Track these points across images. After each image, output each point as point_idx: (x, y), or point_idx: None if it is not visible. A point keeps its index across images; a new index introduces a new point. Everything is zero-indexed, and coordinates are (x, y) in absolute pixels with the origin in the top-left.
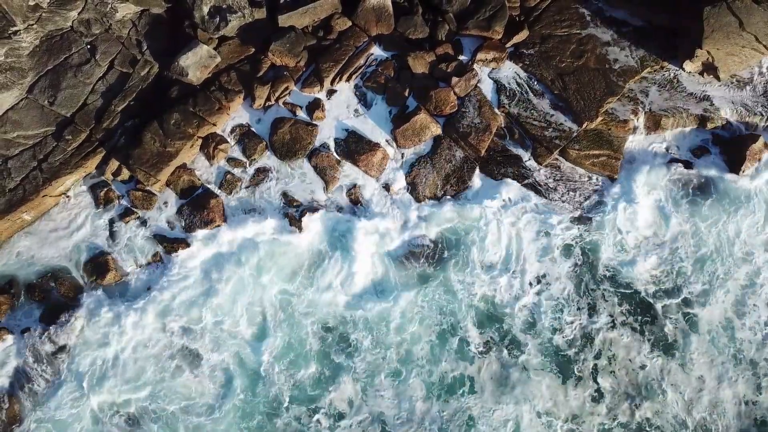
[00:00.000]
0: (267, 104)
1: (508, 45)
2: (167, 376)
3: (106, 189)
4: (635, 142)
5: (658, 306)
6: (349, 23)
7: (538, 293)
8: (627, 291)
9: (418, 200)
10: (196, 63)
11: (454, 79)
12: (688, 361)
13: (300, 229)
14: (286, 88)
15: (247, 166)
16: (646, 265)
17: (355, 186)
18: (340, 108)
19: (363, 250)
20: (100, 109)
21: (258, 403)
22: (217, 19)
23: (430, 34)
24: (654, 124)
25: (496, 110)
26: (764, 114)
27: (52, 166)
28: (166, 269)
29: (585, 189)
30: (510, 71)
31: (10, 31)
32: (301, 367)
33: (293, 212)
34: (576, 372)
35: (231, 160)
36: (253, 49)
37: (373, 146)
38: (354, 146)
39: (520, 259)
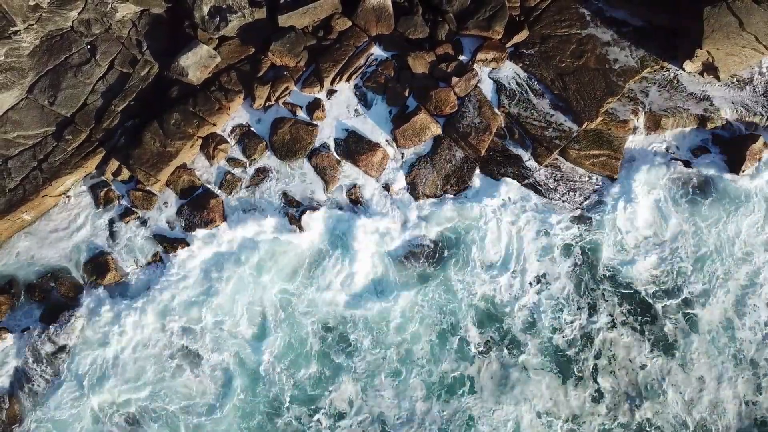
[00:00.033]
0: (267, 104)
1: (508, 45)
2: (167, 375)
3: (106, 189)
4: (635, 142)
5: (658, 306)
6: (349, 23)
7: (538, 293)
8: (627, 291)
9: (417, 199)
10: (196, 63)
11: (454, 79)
12: (688, 361)
13: (300, 228)
14: (286, 88)
15: (247, 166)
16: (646, 264)
17: (355, 186)
18: (340, 108)
19: (363, 249)
20: (100, 109)
21: (258, 402)
22: (217, 19)
23: (430, 34)
24: (654, 124)
25: (496, 110)
26: (764, 114)
27: (52, 166)
28: (166, 269)
29: (585, 189)
30: (510, 71)
31: (10, 31)
32: (302, 367)
33: (293, 212)
34: (576, 372)
35: (231, 160)
36: (253, 49)
37: (373, 146)
38: (354, 146)
39: (520, 259)
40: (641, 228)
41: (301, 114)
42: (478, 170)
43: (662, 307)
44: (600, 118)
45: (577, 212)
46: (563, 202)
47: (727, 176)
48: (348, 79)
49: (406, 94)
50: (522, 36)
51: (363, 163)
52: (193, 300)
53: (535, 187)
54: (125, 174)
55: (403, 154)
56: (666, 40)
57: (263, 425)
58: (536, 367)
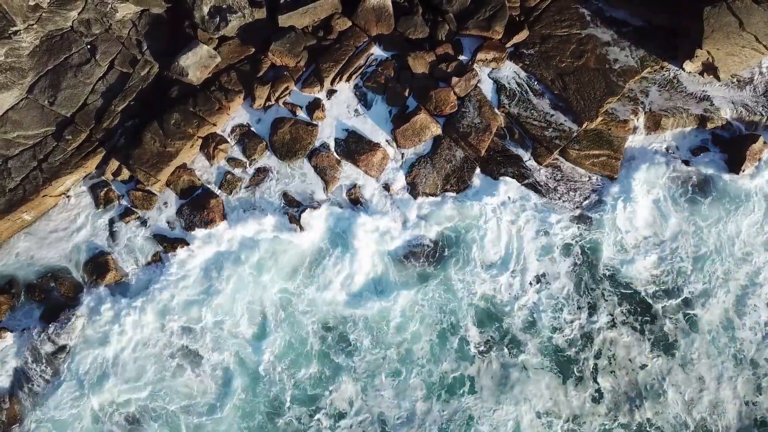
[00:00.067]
0: (267, 104)
1: (508, 45)
2: (167, 375)
3: (106, 189)
4: (635, 142)
5: (658, 306)
6: (349, 23)
7: (538, 292)
8: (627, 291)
9: (416, 198)
10: (196, 63)
11: (454, 79)
12: (688, 361)
13: (300, 227)
14: (286, 88)
15: (247, 166)
16: (646, 264)
17: (355, 186)
18: (340, 108)
19: (363, 248)
20: (100, 109)
21: (259, 402)
22: (217, 19)
23: (430, 34)
24: (654, 124)
25: (496, 110)
26: (764, 114)
27: (52, 166)
28: (166, 269)
29: (585, 188)
30: (510, 71)
31: (10, 31)
32: (302, 367)
33: (293, 212)
34: (576, 372)
35: (231, 160)
36: (253, 49)
37: (373, 146)
38: (354, 146)
39: (520, 258)
40: (641, 227)
41: (301, 114)
42: (478, 170)
43: (662, 306)
44: (600, 118)
45: (577, 212)
46: (563, 201)
47: (727, 176)
48: (348, 79)
49: (406, 94)
50: (522, 36)
51: (363, 163)
52: (193, 299)
53: (535, 187)
54: (125, 174)
55: (403, 154)
56: (666, 40)
57: (263, 425)
58: (536, 366)
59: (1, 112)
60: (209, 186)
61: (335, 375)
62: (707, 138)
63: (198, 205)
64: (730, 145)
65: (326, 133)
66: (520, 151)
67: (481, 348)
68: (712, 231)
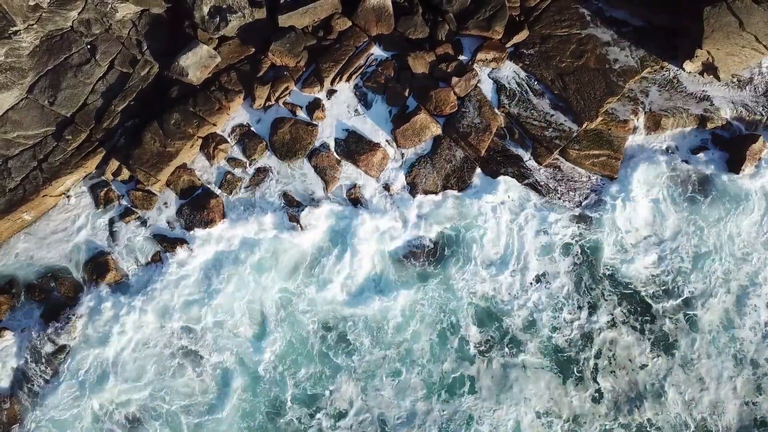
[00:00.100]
0: (267, 104)
1: (508, 45)
2: (168, 375)
3: (106, 189)
4: (635, 142)
5: (658, 306)
6: (349, 23)
7: (538, 292)
8: (627, 290)
9: (415, 196)
10: (196, 63)
11: (454, 79)
12: (688, 361)
13: (301, 227)
14: (286, 88)
15: (247, 166)
16: (646, 263)
17: (355, 186)
18: (340, 108)
19: (363, 248)
20: (100, 109)
21: (259, 402)
22: (217, 19)
23: (430, 34)
24: (654, 124)
25: (496, 110)
26: (764, 114)
27: (52, 166)
28: (166, 269)
29: (584, 188)
30: (510, 71)
31: (10, 31)
32: (302, 367)
33: (293, 211)
34: (576, 372)
35: (231, 160)
36: (253, 49)
37: (373, 146)
38: (354, 146)
39: (520, 258)
40: (641, 227)
41: (301, 114)
42: (478, 170)
43: (662, 306)
44: (600, 118)
45: (577, 211)
46: (563, 201)
47: (727, 176)
48: (348, 79)
49: (406, 94)
50: (522, 36)
51: (363, 163)
52: (193, 299)
53: (535, 187)
54: (125, 174)
55: (403, 154)
56: (666, 40)
57: (264, 425)
58: (536, 366)
59: (1, 112)
60: (209, 186)
61: (335, 375)
62: (707, 138)
63: (198, 205)
64: (730, 145)
65: (326, 133)
66: (520, 151)
67: (481, 348)
68: (712, 231)
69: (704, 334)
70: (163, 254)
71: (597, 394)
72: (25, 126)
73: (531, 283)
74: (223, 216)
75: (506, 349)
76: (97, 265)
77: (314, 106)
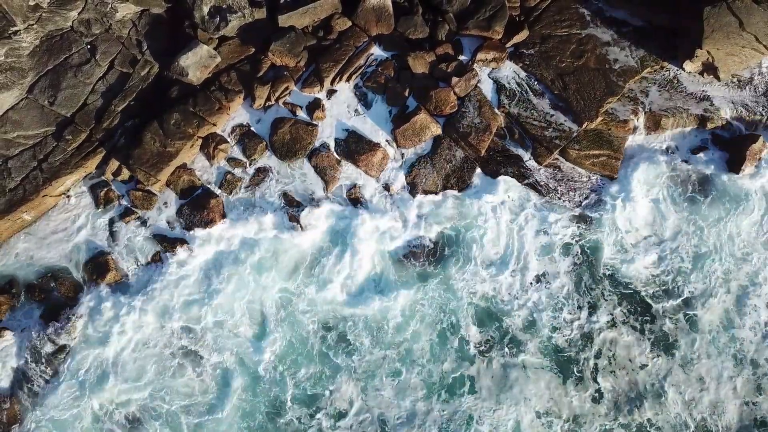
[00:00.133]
0: (267, 104)
1: (508, 45)
2: (168, 375)
3: (106, 189)
4: (635, 142)
5: (658, 306)
6: (349, 23)
7: (538, 292)
8: (627, 290)
9: (415, 196)
10: (196, 63)
11: (454, 79)
12: (688, 361)
13: (301, 227)
14: (286, 88)
15: (247, 166)
16: (646, 263)
17: (355, 186)
18: (340, 108)
19: (363, 248)
20: (100, 109)
21: (259, 402)
22: (217, 19)
23: (430, 34)
24: (654, 124)
25: (496, 110)
26: (764, 114)
27: (52, 166)
28: (166, 269)
29: (584, 188)
30: (510, 71)
31: (10, 31)
32: (302, 367)
33: (293, 211)
34: (576, 372)
35: (231, 160)
36: (253, 49)
37: (373, 146)
38: (354, 146)
39: (520, 258)
40: (641, 227)
41: (301, 114)
42: (478, 170)
43: (662, 306)
44: (600, 118)
45: (577, 211)
46: (563, 201)
47: (727, 176)
48: (348, 79)
49: (406, 94)
50: (522, 36)
51: (363, 163)
52: (193, 299)
53: (535, 187)
54: (125, 174)
55: (403, 154)
56: (666, 40)
57: (264, 425)
58: (536, 366)
59: (1, 112)
60: (209, 186)
61: (335, 375)
62: (707, 138)
63: (198, 205)
64: (730, 145)
65: (326, 133)
66: (520, 151)
67: (481, 348)
68: (712, 231)
69: (704, 334)
70: (163, 254)
71: (597, 394)
72: (25, 126)
73: (531, 283)
74: (223, 216)
75: (506, 349)
76: (97, 265)
77: (314, 106)
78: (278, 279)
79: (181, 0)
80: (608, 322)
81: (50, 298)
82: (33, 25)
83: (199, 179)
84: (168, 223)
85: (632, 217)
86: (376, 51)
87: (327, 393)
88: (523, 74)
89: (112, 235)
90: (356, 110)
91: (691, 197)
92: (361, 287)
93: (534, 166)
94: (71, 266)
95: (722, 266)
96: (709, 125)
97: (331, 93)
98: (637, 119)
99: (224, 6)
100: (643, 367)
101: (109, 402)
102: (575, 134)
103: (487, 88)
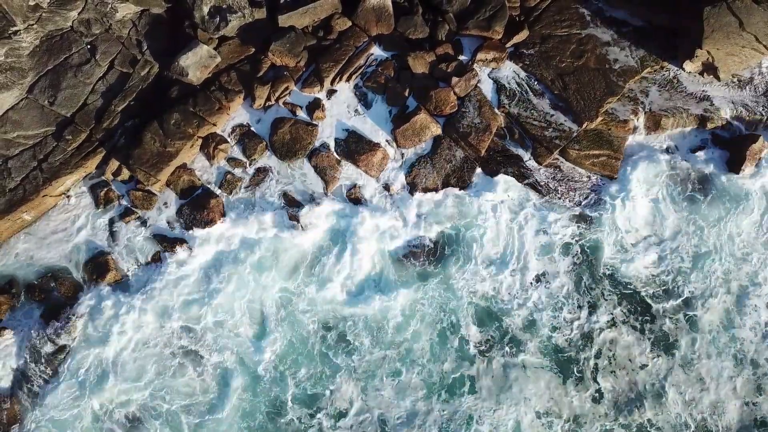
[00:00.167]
0: (267, 104)
1: (508, 45)
2: (168, 375)
3: (106, 189)
4: (635, 142)
5: (658, 306)
6: (349, 23)
7: (538, 291)
8: (627, 290)
9: (413, 194)
10: (196, 63)
11: (454, 79)
12: (688, 361)
13: (301, 227)
14: (286, 88)
15: (247, 166)
16: (646, 263)
17: (355, 186)
18: (340, 108)
19: (363, 248)
20: (100, 109)
21: (259, 402)
22: (217, 19)
23: (430, 34)
24: (654, 124)
25: (496, 110)
26: (764, 114)
27: (52, 166)
28: (166, 269)
29: (584, 188)
30: (510, 71)
31: (10, 31)
32: (302, 366)
33: (293, 211)
34: (576, 372)
35: (231, 160)
36: (253, 49)
37: (373, 146)
38: (354, 146)
39: (520, 257)
40: (640, 227)
41: (301, 114)
42: (478, 170)
43: (662, 306)
44: (600, 118)
45: (577, 211)
46: (563, 201)
47: (727, 176)
48: (348, 79)
49: (406, 94)
50: (522, 36)
51: (363, 163)
52: (193, 299)
53: (535, 187)
54: (125, 174)
55: (403, 154)
56: (666, 40)
57: (264, 425)
58: (536, 366)
59: (1, 112)
60: (209, 186)
61: (335, 374)
62: (707, 138)
63: (198, 205)
64: (730, 145)
65: (326, 133)
66: (520, 151)
67: (482, 347)
68: (712, 231)
69: (704, 334)
70: (163, 254)
71: (597, 394)
72: (25, 126)
73: (531, 283)
74: (223, 216)
75: (506, 349)
76: (97, 265)
77: (314, 106)
78: (278, 278)
79: (181, 0)
80: (608, 321)
81: (50, 298)
82: (33, 25)
83: (199, 179)
84: (168, 223)
85: (632, 217)
86: (376, 51)
87: (327, 393)
88: (523, 74)
89: (112, 235)
90: (356, 110)
91: (691, 196)
92: (361, 287)
93: (534, 166)
94: (71, 266)
95: (722, 266)
96: (709, 125)
97: (331, 93)
98: (637, 119)
99: (224, 6)
100: (643, 367)
101: (110, 402)
102: (575, 134)
103: (487, 88)
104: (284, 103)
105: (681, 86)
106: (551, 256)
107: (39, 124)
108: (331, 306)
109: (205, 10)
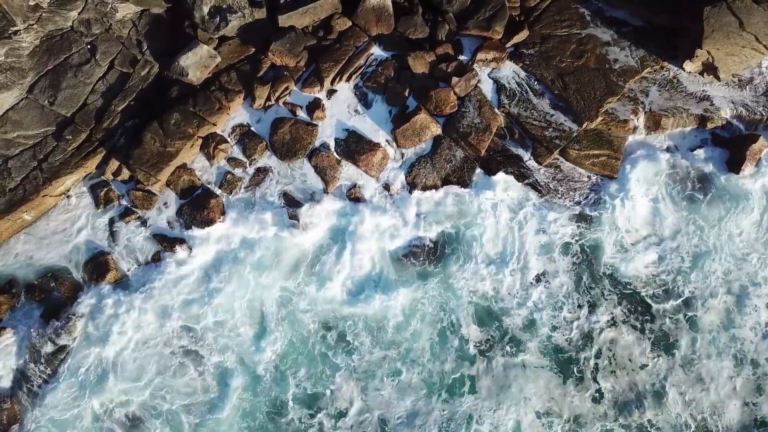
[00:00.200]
0: (267, 104)
1: (508, 45)
2: (168, 374)
3: (106, 189)
4: (635, 141)
5: (658, 306)
6: (349, 23)
7: (538, 291)
8: (627, 290)
9: (412, 192)
10: (196, 63)
11: (454, 79)
12: (688, 361)
13: (301, 226)
14: (286, 88)
15: (248, 166)
16: (646, 263)
17: (355, 186)
18: (340, 108)
19: (363, 248)
20: (100, 109)
21: (259, 402)
22: (217, 19)
23: (430, 34)
24: (654, 124)
25: (496, 110)
26: (764, 114)
27: (52, 166)
28: (166, 269)
29: (584, 187)
30: (510, 71)
31: (10, 31)
32: (302, 366)
33: (293, 211)
34: (576, 372)
35: (231, 160)
36: (253, 49)
37: (373, 146)
38: (354, 146)
39: (520, 257)
40: (640, 226)
41: (301, 114)
42: (478, 170)
43: (662, 306)
44: (600, 118)
45: (577, 210)
46: (563, 200)
47: (727, 176)
48: (348, 79)
49: (406, 94)
50: (522, 36)
51: (363, 163)
52: (193, 299)
53: (535, 187)
54: (125, 174)
55: (403, 154)
56: (666, 40)
57: (264, 424)
58: (536, 366)
59: (1, 112)
60: (209, 186)
61: (336, 374)
62: (707, 138)
63: (198, 205)
64: (730, 145)
65: (326, 133)
66: (520, 151)
67: (482, 347)
68: (712, 230)
69: (704, 334)
70: (163, 254)
71: (597, 394)
72: (25, 126)
73: (531, 282)
74: (223, 216)
75: (506, 349)
76: (97, 265)
77: (314, 106)
78: (278, 278)
79: (181, 0)
80: (608, 321)
81: (50, 298)
82: (33, 25)
83: (199, 179)
84: (168, 223)
85: (632, 216)
86: (376, 51)
87: (327, 393)
88: (523, 74)
89: (112, 235)
90: (356, 110)
91: (691, 196)
92: (361, 286)
93: (534, 166)
94: (71, 266)
95: (722, 266)
96: (709, 125)
97: (331, 93)
98: (637, 119)
99: (224, 6)
100: (643, 367)
101: (110, 401)
102: (575, 134)
103: (487, 88)
104: (284, 103)
105: (681, 86)
106: (551, 255)
107: (39, 124)
108: (331, 305)
109: (205, 10)
